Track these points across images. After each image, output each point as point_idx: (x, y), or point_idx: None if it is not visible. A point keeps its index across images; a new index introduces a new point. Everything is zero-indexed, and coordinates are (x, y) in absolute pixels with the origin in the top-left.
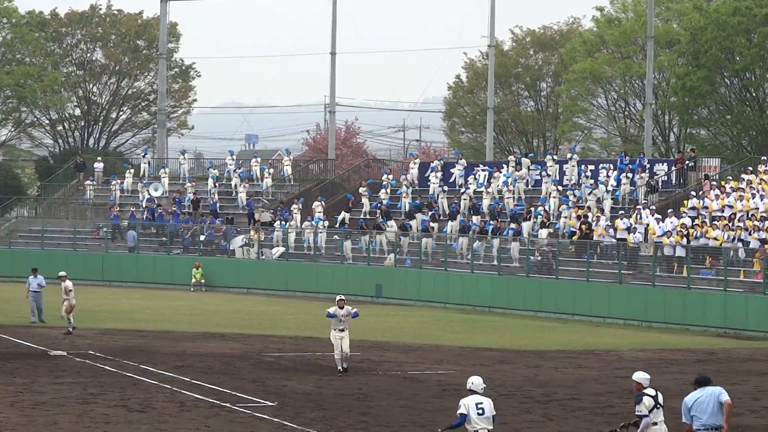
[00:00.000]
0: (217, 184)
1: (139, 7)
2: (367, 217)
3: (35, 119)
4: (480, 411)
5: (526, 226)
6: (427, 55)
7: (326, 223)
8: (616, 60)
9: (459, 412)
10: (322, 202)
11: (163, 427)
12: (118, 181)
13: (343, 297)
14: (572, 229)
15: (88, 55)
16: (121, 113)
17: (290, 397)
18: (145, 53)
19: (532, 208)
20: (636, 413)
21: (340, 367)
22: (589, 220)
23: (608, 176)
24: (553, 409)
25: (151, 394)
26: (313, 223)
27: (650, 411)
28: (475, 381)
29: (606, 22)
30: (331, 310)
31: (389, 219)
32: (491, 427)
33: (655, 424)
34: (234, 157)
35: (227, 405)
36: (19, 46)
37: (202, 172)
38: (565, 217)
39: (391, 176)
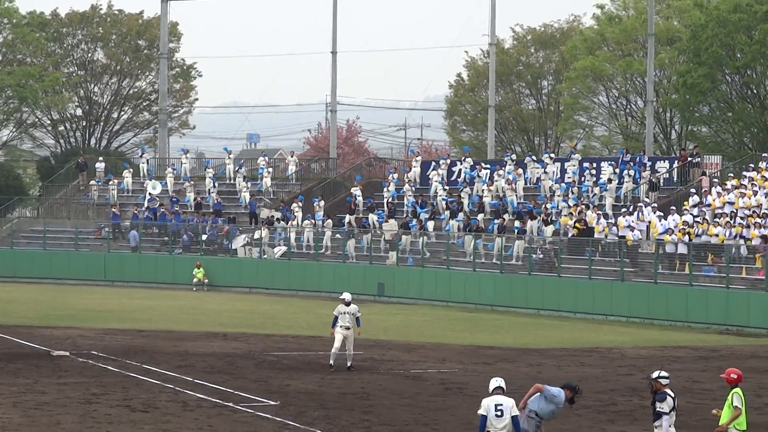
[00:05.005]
0: (216, 184)
1: (140, 7)
2: (360, 215)
3: (36, 119)
4: (498, 413)
5: (531, 224)
6: (428, 54)
7: (330, 222)
8: (617, 58)
9: (479, 412)
10: (318, 202)
11: (166, 427)
12: (116, 181)
13: (347, 297)
14: (570, 227)
15: (89, 55)
16: (122, 113)
17: (293, 397)
18: (146, 53)
19: (534, 207)
20: (657, 409)
21: (332, 362)
22: (585, 218)
23: (614, 173)
24: None
25: (153, 393)
26: (314, 221)
27: (670, 410)
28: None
29: (607, 19)
30: (336, 312)
31: (391, 217)
32: (508, 430)
33: (670, 426)
34: (231, 156)
35: (230, 404)
36: (20, 46)
37: (203, 171)
38: (565, 216)
39: (396, 175)
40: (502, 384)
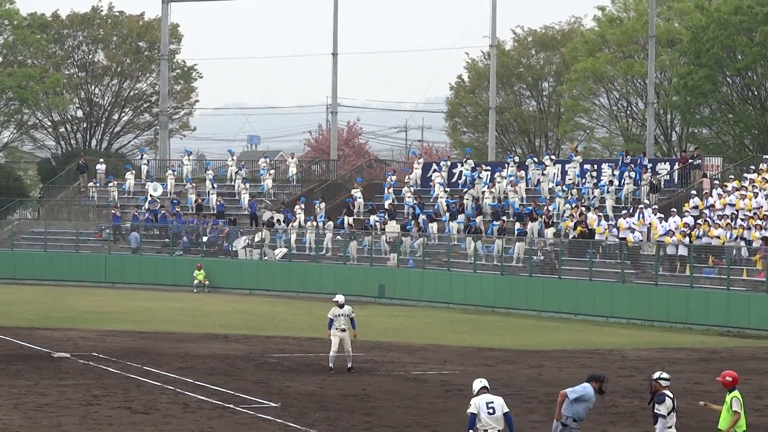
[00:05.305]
0: (215, 185)
1: (141, 9)
2: (360, 217)
3: (37, 121)
4: (491, 410)
5: (532, 226)
6: (429, 56)
7: (331, 223)
8: (618, 59)
9: (469, 411)
10: (318, 204)
11: (166, 429)
12: (117, 182)
13: (340, 299)
14: (570, 230)
15: (90, 56)
16: (123, 115)
17: (293, 398)
18: (146, 55)
19: (535, 208)
20: (655, 411)
21: (331, 365)
22: (586, 220)
23: (613, 175)
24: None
25: (154, 395)
26: (317, 222)
27: (668, 413)
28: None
29: (607, 21)
30: (331, 314)
31: (392, 219)
32: (501, 427)
33: (670, 427)
34: (234, 158)
35: (230, 406)
36: (20, 47)
37: (203, 173)
38: (567, 217)
39: (395, 177)
40: (487, 384)
